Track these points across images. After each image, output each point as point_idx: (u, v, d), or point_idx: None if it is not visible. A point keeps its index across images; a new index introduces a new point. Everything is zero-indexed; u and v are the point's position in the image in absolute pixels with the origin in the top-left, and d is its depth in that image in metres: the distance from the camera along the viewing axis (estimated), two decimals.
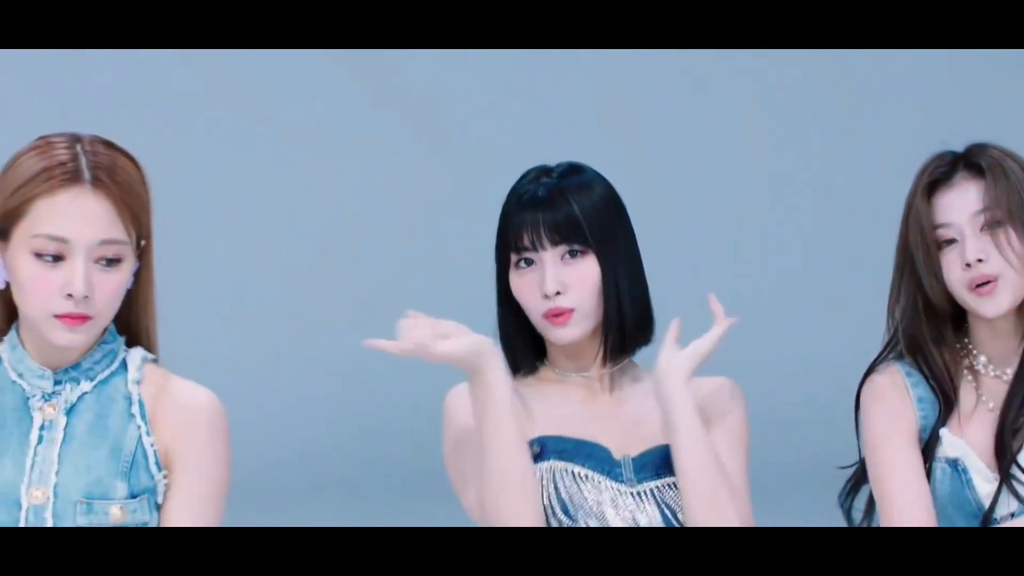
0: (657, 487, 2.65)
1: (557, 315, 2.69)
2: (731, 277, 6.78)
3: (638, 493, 2.64)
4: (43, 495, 2.44)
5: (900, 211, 2.90)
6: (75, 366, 2.52)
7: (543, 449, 2.68)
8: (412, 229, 6.72)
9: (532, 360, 2.79)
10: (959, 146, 2.89)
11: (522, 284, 2.72)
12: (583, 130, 6.51)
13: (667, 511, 2.63)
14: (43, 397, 2.49)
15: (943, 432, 2.85)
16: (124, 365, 2.55)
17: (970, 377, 2.89)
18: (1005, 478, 2.79)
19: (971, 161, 2.84)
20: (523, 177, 2.78)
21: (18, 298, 2.46)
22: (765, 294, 6.68)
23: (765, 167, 6.87)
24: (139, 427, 2.53)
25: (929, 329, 2.90)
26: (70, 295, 2.42)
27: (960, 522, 2.82)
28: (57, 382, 2.50)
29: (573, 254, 2.70)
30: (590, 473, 2.66)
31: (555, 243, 2.70)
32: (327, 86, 6.75)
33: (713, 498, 2.60)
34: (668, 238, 6.59)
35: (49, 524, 2.44)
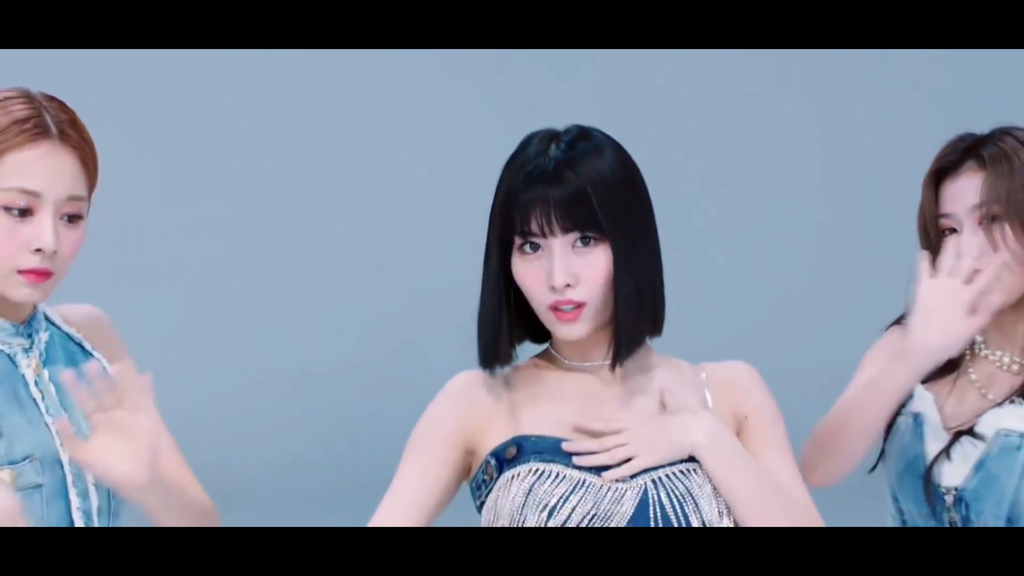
0: (662, 476, 2.46)
1: (567, 310, 2.48)
2: (734, 280, 6.79)
3: (632, 488, 2.45)
4: None
5: (908, 211, 2.91)
6: (33, 317, 2.51)
7: (520, 450, 2.50)
8: (407, 236, 6.72)
9: (511, 351, 2.56)
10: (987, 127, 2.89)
11: (527, 271, 2.49)
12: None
13: (676, 503, 2.45)
14: (23, 352, 2.48)
15: (917, 386, 2.87)
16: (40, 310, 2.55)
17: (966, 350, 2.91)
18: (955, 439, 2.80)
19: (987, 154, 2.83)
20: (526, 144, 2.52)
21: None
22: (765, 298, 6.69)
23: (769, 169, 6.88)
24: (99, 360, 2.55)
25: None
26: (39, 250, 2.39)
27: (908, 482, 2.83)
28: (27, 336, 2.50)
29: (586, 241, 2.47)
30: (574, 472, 2.46)
31: (567, 230, 2.45)
32: (318, 90, 6.76)
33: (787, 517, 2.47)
34: (669, 242, 6.56)
35: (87, 473, 2.43)
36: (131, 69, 6.39)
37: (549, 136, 2.52)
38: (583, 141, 2.50)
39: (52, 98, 2.47)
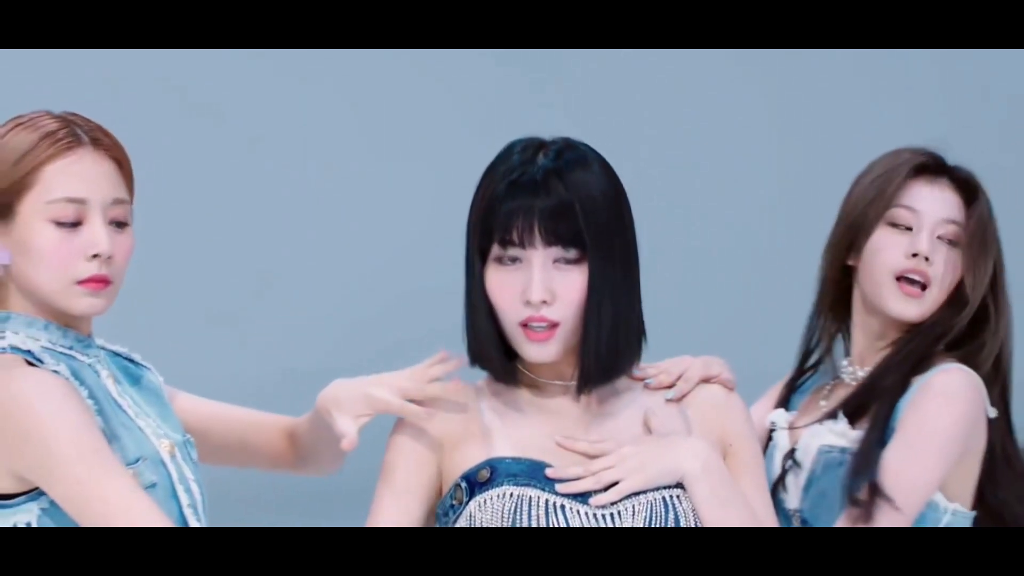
0: (645, 503, 2.39)
1: (538, 329, 2.37)
2: (723, 284, 6.77)
3: (613, 514, 2.38)
4: (170, 446, 2.46)
5: None
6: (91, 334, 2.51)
7: (493, 473, 2.40)
8: (397, 235, 6.71)
9: (508, 369, 2.47)
10: (949, 154, 2.89)
11: (500, 283, 2.39)
12: (566, 132, 6.49)
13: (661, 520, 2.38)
14: (99, 364, 2.47)
15: (779, 411, 2.87)
16: None
17: (832, 378, 2.91)
18: (785, 461, 2.78)
19: (962, 177, 2.84)
20: (509, 151, 2.44)
21: (32, 272, 2.40)
22: (757, 301, 6.68)
23: (762, 170, 6.86)
24: (148, 368, 2.61)
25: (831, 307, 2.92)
26: (95, 255, 2.39)
27: None
28: (97, 348, 2.50)
29: (566, 258, 2.37)
30: (552, 497, 2.38)
31: (549, 243, 2.36)
32: (307, 90, 6.74)
33: None
34: (656, 244, 6.56)
35: (185, 470, 2.47)
36: (109, 69, 6.36)
37: (535, 144, 2.44)
38: (571, 152, 2.43)
39: (74, 114, 2.48)
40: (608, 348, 2.41)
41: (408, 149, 6.73)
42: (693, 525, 2.39)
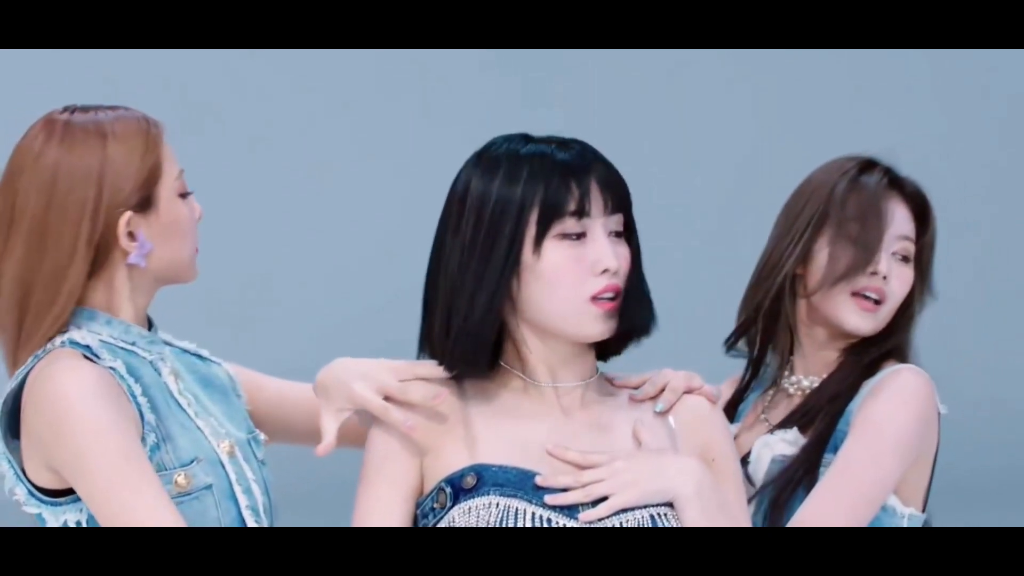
0: (636, 520, 2.32)
1: (609, 299, 2.31)
2: (719, 284, 6.77)
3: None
4: (230, 446, 2.44)
5: None
6: (152, 328, 2.50)
7: (479, 480, 2.31)
8: (392, 233, 6.71)
9: (487, 367, 2.38)
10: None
11: (571, 257, 2.31)
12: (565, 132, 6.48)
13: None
14: (160, 360, 2.46)
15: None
16: None
17: (772, 387, 2.88)
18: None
19: (913, 192, 2.81)
20: (521, 144, 2.39)
21: (175, 247, 2.46)
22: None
23: (762, 171, 6.87)
24: (219, 364, 2.59)
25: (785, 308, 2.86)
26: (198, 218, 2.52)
27: None
28: (161, 345, 2.49)
29: (618, 231, 2.35)
30: (540, 510, 2.29)
31: (612, 211, 2.33)
32: (310, 88, 6.74)
33: None
34: (653, 243, 6.55)
35: (246, 470, 2.44)
36: (92, 70, 6.37)
37: (529, 136, 2.41)
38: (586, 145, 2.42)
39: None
40: (645, 303, 2.38)
41: (407, 149, 6.74)
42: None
